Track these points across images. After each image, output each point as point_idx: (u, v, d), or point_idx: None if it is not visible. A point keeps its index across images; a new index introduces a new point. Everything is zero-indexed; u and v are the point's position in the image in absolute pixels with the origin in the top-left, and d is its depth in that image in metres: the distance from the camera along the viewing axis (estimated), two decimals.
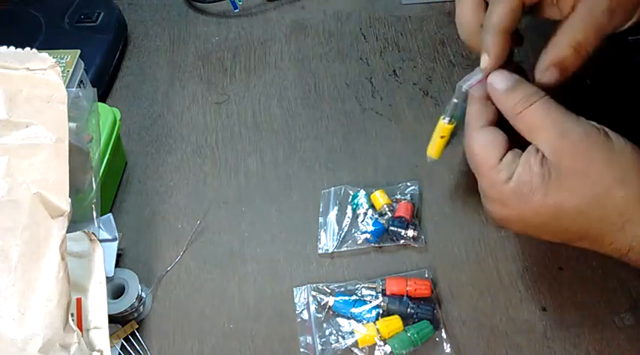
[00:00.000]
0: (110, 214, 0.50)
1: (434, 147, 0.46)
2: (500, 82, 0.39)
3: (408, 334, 0.47)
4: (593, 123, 0.37)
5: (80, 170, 0.45)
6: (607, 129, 0.37)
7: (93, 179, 0.46)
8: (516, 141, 0.39)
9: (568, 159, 0.36)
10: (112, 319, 0.46)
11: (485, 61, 0.40)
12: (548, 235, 0.39)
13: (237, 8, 0.75)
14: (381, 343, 0.47)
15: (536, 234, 0.40)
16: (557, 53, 0.39)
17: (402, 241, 0.53)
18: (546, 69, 0.39)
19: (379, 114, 0.64)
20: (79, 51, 0.59)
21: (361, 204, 0.55)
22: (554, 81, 0.39)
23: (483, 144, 0.39)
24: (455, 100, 0.42)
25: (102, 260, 0.42)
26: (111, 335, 0.47)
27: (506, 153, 0.38)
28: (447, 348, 0.47)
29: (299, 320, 0.50)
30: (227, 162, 0.61)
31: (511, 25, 0.39)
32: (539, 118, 0.37)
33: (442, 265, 0.52)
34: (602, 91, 0.62)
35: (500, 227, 0.42)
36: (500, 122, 0.40)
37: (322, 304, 0.50)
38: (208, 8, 0.76)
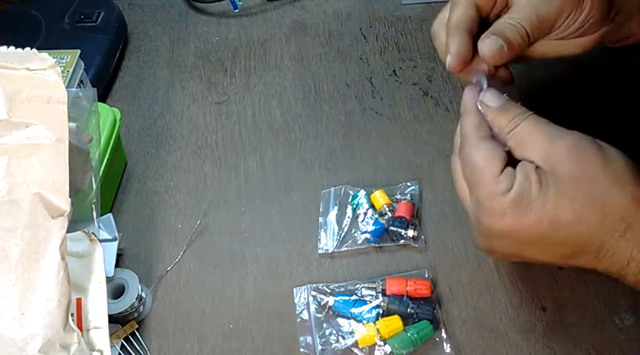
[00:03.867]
0: (110, 214, 0.50)
1: None
2: (492, 100, 0.39)
3: (408, 334, 0.47)
4: (584, 134, 0.37)
5: (80, 170, 0.45)
6: (597, 140, 0.37)
7: (93, 179, 0.46)
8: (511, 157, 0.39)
9: (562, 165, 0.36)
10: (112, 319, 0.46)
11: (448, 60, 0.41)
12: (545, 252, 0.38)
13: (237, 8, 0.75)
14: (381, 343, 0.47)
15: (530, 252, 0.38)
16: (496, 26, 0.40)
17: (402, 241, 0.53)
18: (486, 37, 0.40)
19: (379, 114, 0.64)
20: (79, 51, 0.59)
21: (361, 204, 0.55)
22: (496, 51, 0.39)
23: (485, 156, 0.38)
24: None
25: (102, 260, 0.42)
26: (111, 335, 0.47)
27: (505, 167, 0.38)
28: (447, 348, 0.47)
29: (299, 320, 0.50)
30: (227, 162, 0.61)
31: (468, 25, 0.41)
32: (531, 132, 0.37)
33: (442, 265, 0.52)
34: (602, 91, 0.62)
35: (488, 251, 0.40)
36: None
37: (322, 304, 0.50)
38: (208, 8, 0.76)
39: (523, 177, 0.37)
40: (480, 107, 0.40)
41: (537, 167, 0.37)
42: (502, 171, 0.37)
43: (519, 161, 0.38)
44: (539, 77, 0.62)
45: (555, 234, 0.36)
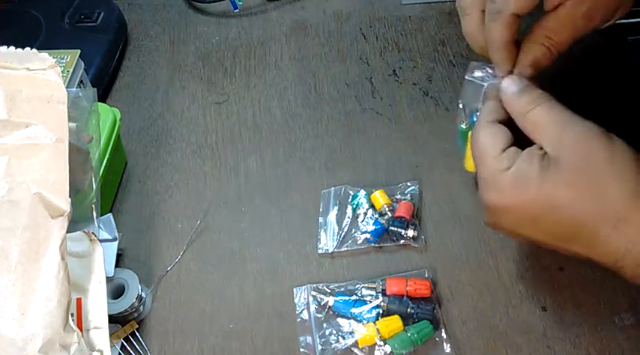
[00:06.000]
0: (110, 214, 0.50)
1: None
2: (510, 86, 0.41)
3: (408, 334, 0.47)
4: (596, 125, 0.38)
5: (80, 170, 0.45)
6: (611, 134, 0.38)
7: (93, 179, 0.46)
8: (520, 143, 0.40)
9: (568, 152, 0.37)
10: (112, 319, 0.46)
11: (499, 71, 0.43)
12: (540, 232, 0.39)
13: (237, 8, 0.75)
14: (381, 343, 0.47)
15: (528, 230, 0.39)
16: (533, 54, 0.41)
17: (402, 241, 0.53)
18: (523, 69, 0.42)
19: (379, 114, 0.64)
20: (79, 51, 0.59)
21: (361, 204, 0.55)
22: (531, 75, 0.42)
23: (489, 135, 0.40)
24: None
25: (102, 260, 0.42)
26: (111, 335, 0.47)
27: (509, 147, 0.39)
28: (447, 348, 0.47)
29: (299, 320, 0.50)
30: (227, 162, 0.61)
31: (512, 38, 0.41)
32: (543, 117, 0.38)
33: (442, 265, 0.52)
34: (602, 91, 0.62)
35: (493, 226, 0.41)
36: (510, 127, 0.41)
37: (322, 304, 0.50)
38: (208, 8, 0.76)
39: (525, 157, 0.38)
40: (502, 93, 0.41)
41: (545, 153, 0.37)
42: (505, 150, 0.39)
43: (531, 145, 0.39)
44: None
45: (550, 215, 0.37)
